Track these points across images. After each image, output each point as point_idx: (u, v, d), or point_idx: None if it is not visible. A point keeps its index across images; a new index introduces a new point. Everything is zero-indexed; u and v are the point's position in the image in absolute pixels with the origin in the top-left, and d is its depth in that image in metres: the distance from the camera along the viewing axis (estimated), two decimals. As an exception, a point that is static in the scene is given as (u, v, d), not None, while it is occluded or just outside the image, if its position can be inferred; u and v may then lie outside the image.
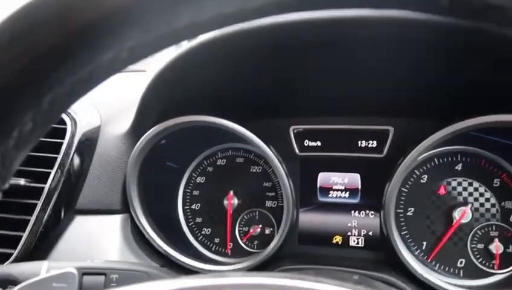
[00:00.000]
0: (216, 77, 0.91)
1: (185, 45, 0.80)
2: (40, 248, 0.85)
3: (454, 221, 0.93)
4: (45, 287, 0.52)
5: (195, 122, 0.91)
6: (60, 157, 0.88)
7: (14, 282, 0.62)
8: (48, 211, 0.85)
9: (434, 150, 0.97)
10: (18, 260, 0.81)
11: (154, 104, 0.92)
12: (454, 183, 0.96)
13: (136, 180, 0.93)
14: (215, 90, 0.96)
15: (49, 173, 0.86)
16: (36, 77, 0.30)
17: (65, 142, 0.90)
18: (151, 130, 0.91)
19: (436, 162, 0.98)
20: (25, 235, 0.82)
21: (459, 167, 0.96)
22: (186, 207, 1.11)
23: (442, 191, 0.96)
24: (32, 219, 0.83)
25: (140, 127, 0.93)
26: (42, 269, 0.63)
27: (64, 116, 0.93)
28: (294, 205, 0.97)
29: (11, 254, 0.82)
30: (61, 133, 0.91)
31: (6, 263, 0.80)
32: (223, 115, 0.93)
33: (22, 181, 0.84)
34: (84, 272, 0.65)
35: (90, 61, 0.31)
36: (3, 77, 0.29)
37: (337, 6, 0.34)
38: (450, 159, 0.97)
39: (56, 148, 0.89)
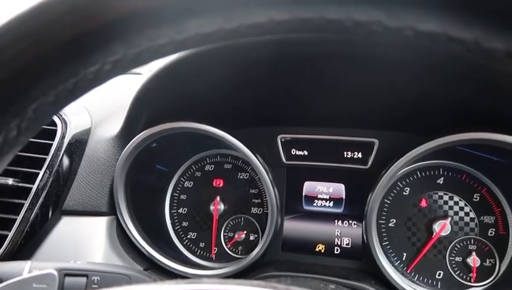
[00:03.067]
0: (206, 84, 0.93)
1: (177, 53, 0.82)
2: (25, 248, 0.86)
3: (434, 233, 0.95)
4: (26, 287, 0.53)
5: (184, 129, 0.93)
6: (49, 158, 0.89)
7: (-4, 281, 0.63)
8: (34, 211, 0.86)
9: (417, 164, 1.00)
10: (2, 258, 0.82)
11: (145, 109, 0.93)
12: (435, 197, 0.98)
13: (123, 183, 0.94)
14: (205, 97, 0.97)
15: (38, 173, 0.88)
16: (21, 87, 0.32)
17: (55, 143, 0.91)
18: (139, 134, 0.92)
19: (419, 175, 1.00)
20: (10, 234, 0.83)
21: (440, 181, 0.98)
22: (173, 211, 1.12)
23: (423, 203, 0.99)
24: (19, 218, 0.84)
25: (130, 131, 0.95)
26: (24, 269, 0.64)
27: (55, 117, 0.94)
28: (279, 213, 0.99)
29: (-4, 253, 0.83)
30: (51, 135, 0.92)
31: (-10, 261, 0.81)
32: (212, 122, 0.95)
33: (10, 181, 0.85)
34: (66, 273, 0.66)
35: (74, 73, 0.33)
36: None
37: (322, 31, 0.36)
38: (432, 172, 0.99)
39: (45, 149, 0.90)
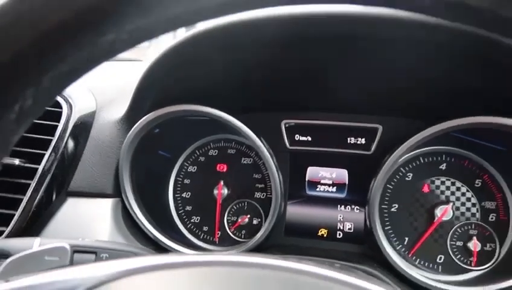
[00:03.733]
0: (211, 68, 0.93)
1: (182, 35, 0.82)
2: (32, 227, 0.86)
3: (436, 218, 0.96)
4: (37, 260, 0.54)
5: (188, 112, 0.93)
6: (54, 139, 0.89)
7: (6, 256, 0.64)
8: (40, 192, 0.86)
9: (419, 150, 1.00)
10: (10, 237, 0.83)
11: (149, 92, 0.93)
12: (437, 182, 0.99)
13: (128, 166, 0.94)
14: (209, 81, 0.98)
15: (44, 154, 0.88)
16: (39, 55, 0.32)
17: (60, 125, 0.91)
18: (144, 117, 0.92)
19: (422, 161, 1.01)
20: (17, 213, 0.84)
21: (443, 167, 0.99)
22: (176, 195, 1.13)
23: (425, 189, 1.00)
24: (25, 198, 0.85)
25: (135, 114, 0.95)
26: (34, 244, 0.65)
27: (60, 99, 0.94)
28: (283, 197, 1.00)
29: (3, 232, 0.83)
30: (57, 116, 0.92)
31: (-3, 239, 0.82)
32: (216, 106, 0.95)
33: (16, 161, 0.86)
34: (75, 250, 0.66)
35: (91, 43, 0.33)
36: (7, 53, 0.31)
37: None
38: (434, 158, 1.00)
39: (51, 130, 0.90)
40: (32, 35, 0.31)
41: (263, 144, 0.96)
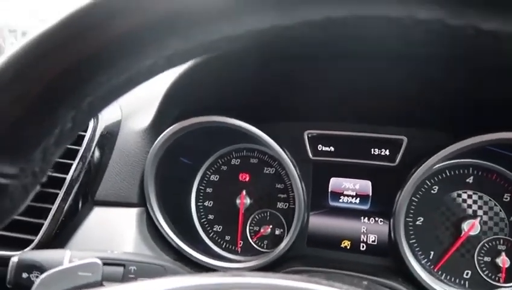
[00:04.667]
0: (236, 80, 0.94)
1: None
2: (60, 236, 0.88)
3: (463, 233, 0.94)
4: (71, 275, 0.55)
5: (214, 123, 0.94)
6: (82, 149, 0.91)
7: (39, 268, 0.65)
8: (68, 201, 0.88)
9: (446, 162, 0.99)
10: (39, 246, 0.85)
11: (175, 103, 0.94)
12: (464, 196, 0.97)
13: (153, 176, 0.95)
14: (234, 92, 0.98)
15: (71, 164, 0.90)
16: (80, 81, 0.33)
17: (87, 135, 0.93)
18: (170, 127, 0.93)
19: (448, 174, 0.99)
20: (46, 223, 0.85)
21: (470, 180, 0.98)
22: (199, 204, 1.14)
23: (452, 202, 0.98)
24: (54, 207, 0.86)
25: (160, 124, 0.96)
26: (65, 257, 0.66)
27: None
28: (306, 208, 0.99)
29: (32, 241, 0.85)
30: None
31: (27, 248, 0.83)
32: (240, 116, 0.96)
33: (45, 171, 0.87)
34: (105, 263, 0.67)
35: (129, 68, 0.34)
36: (52, 80, 0.31)
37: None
38: (461, 171, 0.99)
39: (78, 140, 0.92)
40: (77, 61, 0.31)
41: (286, 154, 0.96)
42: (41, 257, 0.66)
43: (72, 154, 0.91)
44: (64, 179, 0.88)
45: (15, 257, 0.66)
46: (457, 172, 0.99)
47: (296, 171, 0.96)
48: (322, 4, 0.32)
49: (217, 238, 1.11)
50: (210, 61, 0.83)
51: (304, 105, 1.03)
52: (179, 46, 0.34)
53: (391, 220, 0.96)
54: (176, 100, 0.93)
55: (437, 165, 0.98)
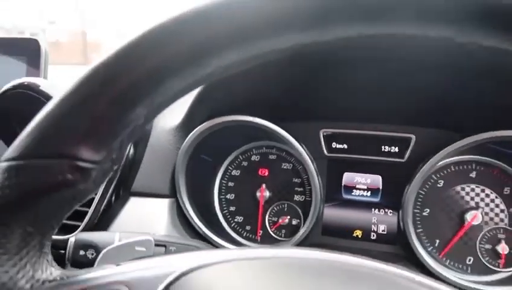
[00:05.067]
0: (261, 82, 1.03)
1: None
2: (102, 222, 0.98)
3: (466, 223, 1.03)
4: (130, 249, 0.64)
5: (241, 122, 1.04)
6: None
7: (94, 247, 0.75)
8: (109, 192, 0.98)
9: (451, 158, 1.07)
10: (85, 230, 0.95)
11: (206, 103, 1.04)
12: (467, 189, 1.06)
13: (184, 170, 1.05)
14: (259, 93, 1.08)
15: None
16: (155, 85, 0.41)
17: (125, 132, 1.03)
18: (200, 126, 1.03)
19: (452, 169, 1.08)
20: (90, 211, 0.96)
21: (473, 175, 1.06)
22: (221, 196, 1.23)
23: (456, 195, 1.07)
24: (97, 197, 0.97)
25: (190, 123, 1.06)
26: (115, 237, 0.76)
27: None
28: (321, 200, 1.09)
29: (78, 226, 0.95)
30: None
31: (76, 232, 0.94)
32: (262, 116, 1.05)
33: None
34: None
35: (192, 75, 0.42)
36: (134, 86, 0.40)
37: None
38: (465, 167, 1.07)
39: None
40: (153, 70, 0.39)
41: (305, 151, 1.05)
42: (95, 237, 0.76)
43: (112, 149, 1.01)
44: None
45: (72, 237, 0.76)
46: (461, 167, 1.08)
47: (314, 167, 1.05)
48: (355, 24, 0.39)
49: (238, 228, 1.21)
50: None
51: (320, 106, 1.12)
52: (235, 57, 0.42)
53: (400, 212, 1.05)
54: (206, 101, 1.03)
55: (442, 161, 1.07)
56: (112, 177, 0.99)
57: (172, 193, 1.07)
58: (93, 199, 0.97)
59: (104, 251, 0.65)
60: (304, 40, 0.40)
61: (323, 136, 1.16)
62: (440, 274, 0.95)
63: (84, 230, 0.95)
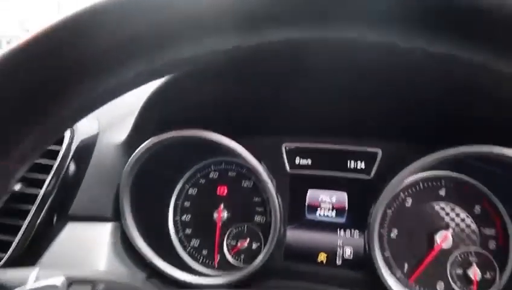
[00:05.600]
0: (212, 93, 0.94)
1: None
2: (31, 253, 0.86)
3: (436, 245, 0.95)
4: (35, 295, 0.54)
5: (190, 137, 0.94)
6: (56, 163, 0.90)
7: (2, 288, 0.64)
8: (41, 217, 0.86)
9: (419, 174, 1.00)
10: (9, 263, 0.83)
11: (152, 116, 0.94)
12: (437, 208, 0.99)
13: (128, 190, 0.95)
14: (211, 105, 0.99)
15: (45, 179, 0.88)
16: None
17: (62, 148, 0.92)
18: (146, 142, 0.93)
19: (421, 186, 1.01)
20: (16, 240, 0.84)
21: (442, 192, 0.99)
22: (176, 218, 1.13)
23: (425, 214, 0.99)
24: (25, 224, 0.85)
25: (136, 138, 0.96)
26: (30, 276, 0.65)
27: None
28: (282, 222, 1.00)
29: (1, 258, 0.83)
30: (59, 140, 0.93)
31: (-4, 266, 0.82)
32: (217, 129, 0.96)
33: (17, 186, 0.86)
34: (72, 281, 0.66)
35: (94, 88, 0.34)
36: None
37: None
38: (434, 183, 1.00)
39: (53, 154, 0.91)
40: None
41: (263, 167, 0.96)
42: (6, 277, 0.64)
43: (45, 169, 0.90)
44: (37, 194, 0.87)
45: (-20, 276, 0.64)
46: (430, 184, 1.01)
47: (273, 185, 0.96)
48: (282, 27, 0.34)
49: (194, 253, 1.11)
50: (185, 75, 0.83)
51: (281, 118, 1.04)
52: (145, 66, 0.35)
53: (365, 233, 0.97)
54: (152, 113, 0.93)
55: (410, 178, 1.00)
56: (45, 199, 0.87)
57: (117, 216, 0.96)
58: (20, 227, 0.85)
59: (4, 298, 0.54)
60: (222, 44, 0.34)
61: (285, 150, 1.08)
62: (409, 303, 0.87)
63: (8, 262, 0.83)
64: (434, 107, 0.90)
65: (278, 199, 0.97)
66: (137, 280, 0.74)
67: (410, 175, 0.95)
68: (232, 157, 1.11)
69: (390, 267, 0.97)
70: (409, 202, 1.01)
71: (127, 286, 0.70)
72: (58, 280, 0.58)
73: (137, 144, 0.96)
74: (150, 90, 0.88)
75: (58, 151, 0.91)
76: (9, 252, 0.83)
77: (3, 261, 0.83)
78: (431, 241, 0.97)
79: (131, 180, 0.95)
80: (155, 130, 0.96)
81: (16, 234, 0.85)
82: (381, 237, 1.00)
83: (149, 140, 0.93)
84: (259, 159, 0.98)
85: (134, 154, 0.93)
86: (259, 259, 0.97)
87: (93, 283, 0.68)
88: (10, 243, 0.84)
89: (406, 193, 1.02)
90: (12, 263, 0.84)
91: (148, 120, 0.96)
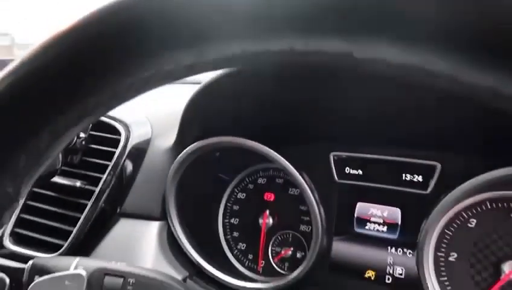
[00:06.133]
0: (255, 100, 0.94)
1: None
2: (87, 244, 0.96)
3: (503, 275, 0.83)
4: (59, 284, 0.60)
5: (231, 144, 0.95)
6: (111, 164, 0.98)
7: (49, 272, 0.72)
8: (96, 211, 0.95)
9: (487, 193, 0.88)
10: (68, 251, 0.93)
11: (194, 122, 0.98)
12: (507, 232, 0.86)
13: (174, 192, 0.99)
14: (254, 113, 0.99)
15: (101, 177, 0.97)
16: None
17: (118, 150, 1.00)
18: (188, 148, 0.96)
19: (489, 207, 0.88)
20: (75, 230, 0.94)
21: (514, 215, 0.86)
22: (225, 220, 1.15)
23: (492, 239, 0.87)
24: (82, 216, 0.95)
25: (182, 142, 1.00)
26: (72, 264, 0.72)
27: (120, 127, 1.03)
28: (325, 233, 0.95)
29: (62, 245, 0.94)
30: (115, 143, 1.01)
31: (57, 252, 0.92)
32: (262, 137, 0.96)
33: (78, 183, 0.96)
34: (106, 273, 0.72)
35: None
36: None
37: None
38: (505, 205, 0.87)
39: (109, 155, 0.99)
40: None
41: (303, 177, 0.93)
42: (52, 263, 0.72)
43: (102, 168, 0.99)
44: (94, 191, 0.96)
45: (30, 260, 0.73)
46: (499, 205, 0.87)
47: (314, 195, 0.93)
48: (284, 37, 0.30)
49: (240, 256, 1.12)
50: (225, 81, 0.85)
51: (329, 126, 1.00)
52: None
53: (416, 252, 0.88)
54: (194, 120, 0.96)
55: (477, 197, 0.88)
56: (100, 196, 0.96)
57: (164, 216, 1.01)
58: (79, 219, 0.94)
59: (32, 284, 0.60)
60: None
61: (334, 160, 1.03)
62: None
63: (68, 250, 0.94)
64: (501, 117, 0.78)
65: (319, 209, 0.93)
66: (167, 280, 0.78)
67: (473, 193, 0.84)
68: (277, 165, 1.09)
69: (443, 294, 0.87)
70: (472, 223, 0.89)
71: (158, 282, 0.73)
72: (81, 272, 0.63)
73: (182, 149, 1.00)
74: (190, 96, 0.91)
75: (114, 153, 0.99)
76: (68, 241, 0.93)
77: (63, 248, 0.93)
78: (497, 271, 0.84)
79: (176, 183, 1.00)
80: (198, 136, 0.99)
81: (75, 226, 0.94)
82: (437, 259, 0.90)
83: (190, 146, 0.96)
84: (303, 168, 0.95)
85: (178, 158, 0.97)
86: (301, 268, 0.95)
87: (126, 276, 0.73)
88: (70, 233, 0.94)
89: (470, 213, 0.90)
90: (72, 251, 0.94)
91: (190, 126, 1.00)
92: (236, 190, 1.16)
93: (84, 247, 0.95)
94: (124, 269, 0.74)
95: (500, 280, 0.83)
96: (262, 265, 1.08)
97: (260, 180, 1.13)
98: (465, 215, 0.90)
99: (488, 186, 0.81)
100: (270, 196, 1.11)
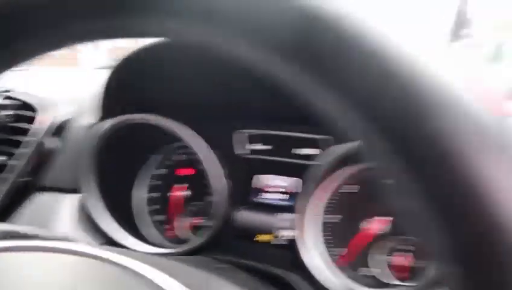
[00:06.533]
0: (166, 79, 1.03)
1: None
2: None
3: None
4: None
5: (139, 120, 1.04)
6: (25, 139, 1.04)
7: None
8: (9, 185, 1.02)
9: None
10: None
11: (110, 100, 1.06)
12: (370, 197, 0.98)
13: (91, 166, 1.07)
14: (165, 91, 1.07)
15: (15, 151, 1.04)
16: None
17: (34, 126, 1.06)
18: (102, 123, 1.04)
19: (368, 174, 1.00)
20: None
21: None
22: (143, 195, 1.23)
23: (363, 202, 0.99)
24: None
25: (101, 119, 1.08)
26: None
27: (38, 102, 1.10)
28: (226, 203, 1.06)
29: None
30: (31, 119, 1.08)
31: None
32: (172, 115, 1.05)
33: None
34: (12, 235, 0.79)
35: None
36: None
37: None
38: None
39: (24, 131, 1.06)
40: None
41: (208, 151, 1.03)
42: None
43: (16, 143, 1.05)
44: (5, 165, 1.02)
45: None
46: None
47: (215, 170, 1.03)
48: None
49: (157, 227, 1.21)
50: (138, 59, 0.93)
51: (233, 104, 1.09)
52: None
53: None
54: (110, 97, 1.04)
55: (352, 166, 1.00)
56: (13, 170, 1.03)
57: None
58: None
59: None
60: None
61: (237, 136, 1.13)
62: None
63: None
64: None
65: (221, 181, 1.04)
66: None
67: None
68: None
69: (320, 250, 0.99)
70: (355, 189, 1.01)
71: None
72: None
73: (101, 125, 1.07)
74: (107, 72, 0.99)
75: (27, 130, 1.06)
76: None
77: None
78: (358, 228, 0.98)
79: (93, 158, 1.07)
80: (115, 113, 1.06)
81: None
82: (316, 221, 1.02)
83: (101, 123, 1.04)
84: (208, 144, 1.05)
85: (92, 134, 1.05)
86: (205, 233, 1.05)
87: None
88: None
89: (352, 181, 1.02)
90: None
91: (109, 105, 1.07)
92: (154, 166, 1.24)
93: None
94: (30, 232, 0.81)
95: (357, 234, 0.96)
96: (174, 234, 1.18)
97: (175, 157, 1.22)
98: (349, 182, 1.02)
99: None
100: (185, 171, 1.20)
